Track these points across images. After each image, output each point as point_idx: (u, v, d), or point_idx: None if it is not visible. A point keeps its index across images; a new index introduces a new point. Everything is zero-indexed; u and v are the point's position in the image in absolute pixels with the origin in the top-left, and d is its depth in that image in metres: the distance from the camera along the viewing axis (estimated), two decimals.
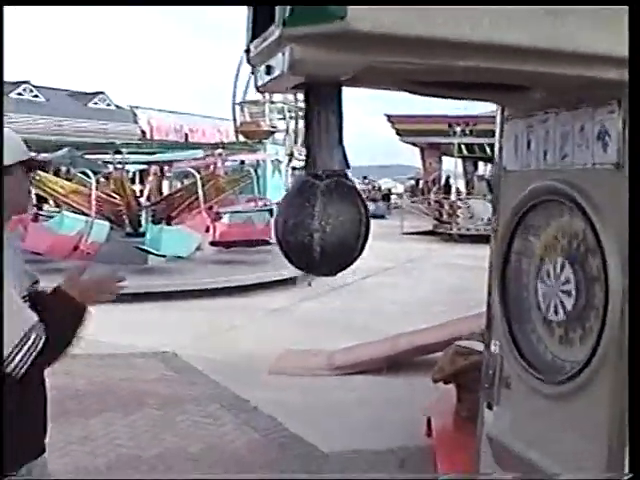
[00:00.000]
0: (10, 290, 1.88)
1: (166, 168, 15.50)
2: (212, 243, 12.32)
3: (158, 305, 9.12)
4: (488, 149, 25.94)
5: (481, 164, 31.95)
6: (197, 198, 11.92)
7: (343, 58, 1.59)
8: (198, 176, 12.12)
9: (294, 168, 21.67)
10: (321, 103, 1.78)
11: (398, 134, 30.01)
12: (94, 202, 11.03)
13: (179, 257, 11.01)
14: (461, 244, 20.29)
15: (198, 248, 11.69)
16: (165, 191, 16.07)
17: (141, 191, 14.00)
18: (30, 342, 1.87)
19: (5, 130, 2.03)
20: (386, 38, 1.53)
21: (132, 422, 4.84)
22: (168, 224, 11.59)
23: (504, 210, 2.34)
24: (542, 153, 2.15)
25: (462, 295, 10.28)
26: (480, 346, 4.55)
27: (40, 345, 1.88)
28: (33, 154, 2.16)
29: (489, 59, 1.63)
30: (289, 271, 11.38)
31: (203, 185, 11.95)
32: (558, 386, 2.06)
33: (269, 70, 1.76)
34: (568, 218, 2.08)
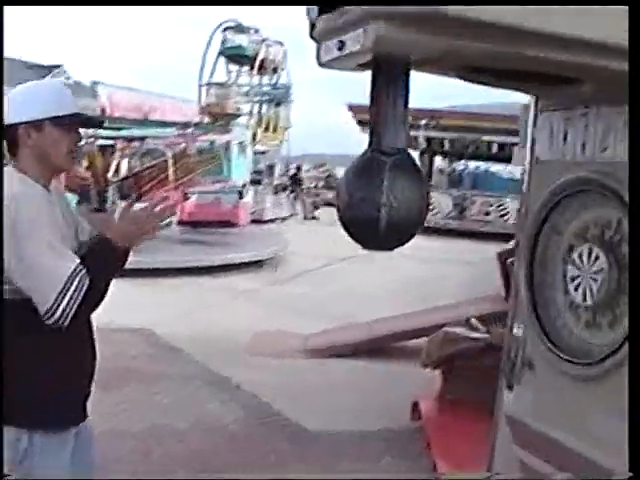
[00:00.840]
0: (47, 238, 1.86)
1: (124, 145, 15.28)
2: (180, 222, 12.25)
3: (125, 282, 9.01)
4: (448, 144, 26.35)
5: (438, 158, 32.34)
6: (167, 176, 11.83)
7: (427, 39, 1.63)
8: (170, 154, 12.02)
9: (256, 152, 21.59)
10: (390, 82, 1.82)
11: (359, 124, 30.11)
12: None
13: None
14: (424, 236, 20.47)
15: (168, 225, 11.59)
16: (124, 169, 15.88)
17: (107, 166, 13.80)
18: (73, 288, 1.84)
19: (37, 83, 2.00)
20: (475, 24, 1.57)
21: (115, 399, 4.82)
22: (138, 201, 11.46)
23: (535, 199, 2.42)
24: (580, 146, 2.23)
25: (428, 285, 10.47)
26: (467, 333, 4.70)
27: (84, 289, 1.85)
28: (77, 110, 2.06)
29: (562, 51, 1.69)
30: (256, 254, 11.43)
31: (174, 163, 11.86)
32: (589, 368, 2.14)
33: (342, 46, 1.78)
34: (602, 208, 2.16)
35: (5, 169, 1.96)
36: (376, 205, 1.77)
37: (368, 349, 6.33)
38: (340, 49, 1.79)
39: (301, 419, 4.64)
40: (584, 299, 2.21)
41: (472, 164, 29.65)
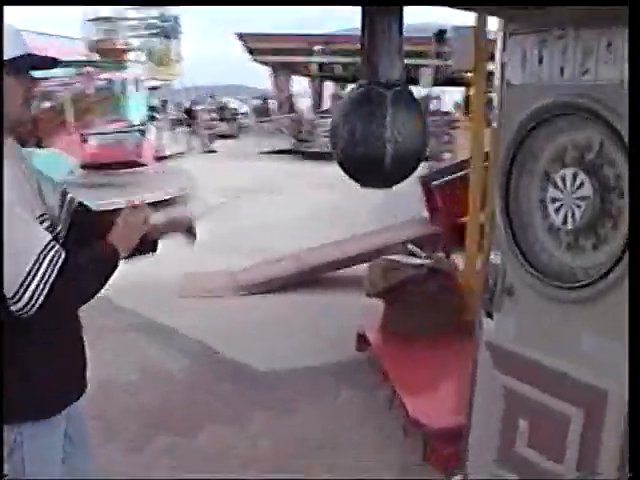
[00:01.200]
0: (14, 209, 1.62)
1: None
2: (84, 166, 11.69)
3: None
4: (342, 68, 26.12)
5: (330, 84, 32.16)
6: (64, 119, 11.18)
7: None
8: (69, 95, 11.35)
9: (149, 88, 20.76)
10: (385, 11, 1.71)
11: (250, 53, 29.45)
12: None
13: None
14: (324, 162, 20.49)
15: (72, 171, 11.06)
16: None
17: None
18: (46, 264, 1.62)
19: None
20: None
21: None
22: (38, 147, 10.83)
23: (509, 123, 2.38)
24: (558, 68, 2.19)
25: (344, 212, 10.50)
26: (408, 259, 4.72)
27: (59, 264, 1.63)
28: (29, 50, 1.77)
29: None
30: (166, 192, 11.09)
31: (73, 105, 11.21)
32: (579, 290, 2.16)
33: None
34: (581, 131, 2.15)
35: None
36: (381, 141, 1.69)
37: (300, 281, 6.30)
38: None
39: (249, 360, 4.58)
40: (565, 222, 2.22)
41: None
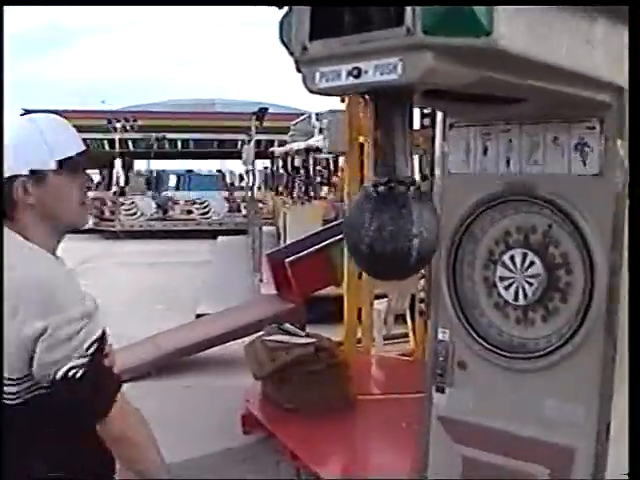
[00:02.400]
0: None
1: None
2: None
3: None
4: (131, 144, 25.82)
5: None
6: None
7: (464, 71, 1.67)
8: None
9: None
10: (399, 109, 1.82)
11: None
12: None
13: None
14: (127, 241, 20.07)
15: None
16: None
17: None
18: None
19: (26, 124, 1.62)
20: (512, 58, 1.65)
21: None
22: None
23: (451, 211, 2.56)
24: (504, 159, 2.42)
25: (173, 290, 10.30)
26: (289, 339, 4.77)
27: None
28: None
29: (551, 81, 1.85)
30: None
31: None
32: (535, 360, 2.36)
33: (358, 73, 1.74)
34: (528, 216, 2.39)
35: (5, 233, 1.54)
36: (409, 237, 1.77)
37: (160, 367, 6.08)
38: (357, 76, 1.75)
39: None
40: (516, 299, 2.43)
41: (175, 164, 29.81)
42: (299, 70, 1.88)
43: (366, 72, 1.72)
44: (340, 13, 1.73)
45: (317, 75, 1.82)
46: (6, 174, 1.55)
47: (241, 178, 26.63)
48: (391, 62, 1.67)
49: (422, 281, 4.59)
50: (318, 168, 20.64)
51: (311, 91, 1.92)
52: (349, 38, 1.72)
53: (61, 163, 1.61)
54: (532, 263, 2.37)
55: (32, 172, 1.56)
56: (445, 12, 1.57)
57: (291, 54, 1.88)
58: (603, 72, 1.95)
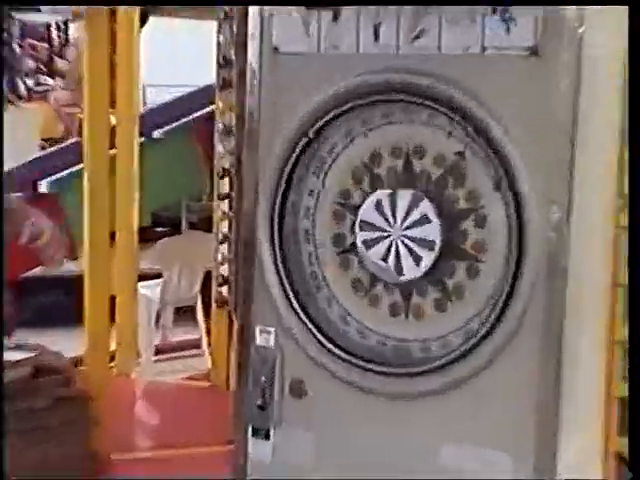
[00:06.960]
0: None
1: None
2: None
3: None
4: None
5: None
6: None
7: None
8: None
9: None
10: None
11: None
12: None
13: None
14: None
15: None
16: None
17: None
18: None
19: None
20: None
21: None
22: None
23: (274, 126, 1.52)
24: (369, 29, 1.42)
25: None
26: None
27: None
28: None
29: None
30: None
31: None
32: (415, 380, 1.40)
33: None
34: (404, 126, 1.42)
35: None
36: None
37: None
38: None
39: None
40: (390, 274, 1.43)
41: None
42: None
43: None
44: None
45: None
46: None
47: None
48: None
49: (223, 247, 2.67)
50: None
51: None
52: None
53: None
54: (418, 211, 1.39)
55: None
56: None
57: None
58: None
